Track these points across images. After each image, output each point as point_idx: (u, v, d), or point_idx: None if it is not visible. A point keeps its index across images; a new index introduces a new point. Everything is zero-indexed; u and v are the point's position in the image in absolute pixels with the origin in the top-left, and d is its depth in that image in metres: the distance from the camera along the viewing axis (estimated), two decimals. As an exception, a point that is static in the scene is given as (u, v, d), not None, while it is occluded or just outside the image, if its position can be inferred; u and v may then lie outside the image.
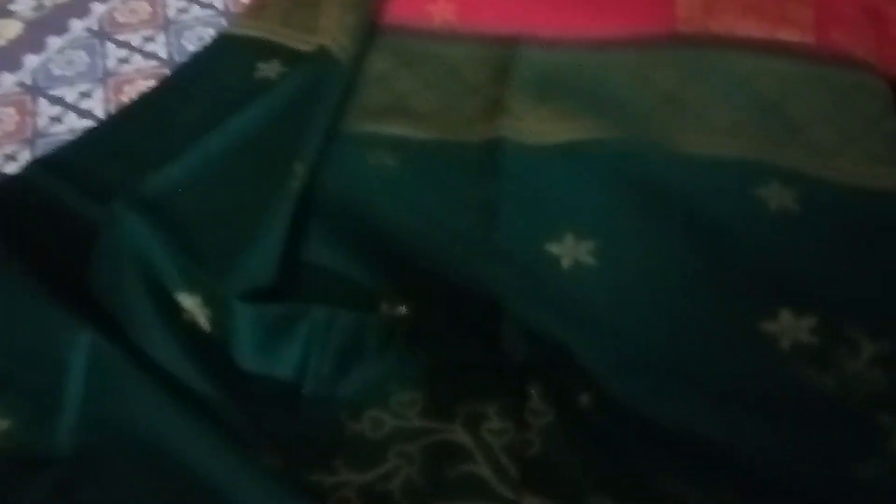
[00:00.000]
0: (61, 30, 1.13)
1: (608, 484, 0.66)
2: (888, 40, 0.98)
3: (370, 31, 0.99)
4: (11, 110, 1.02)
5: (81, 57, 1.09)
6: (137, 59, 1.09)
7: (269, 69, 0.96)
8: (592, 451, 0.68)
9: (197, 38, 1.10)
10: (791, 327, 0.73)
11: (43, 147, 0.98)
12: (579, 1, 1.02)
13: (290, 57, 0.96)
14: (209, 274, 0.75)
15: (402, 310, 0.76)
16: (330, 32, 0.96)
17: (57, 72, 1.08)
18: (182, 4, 1.15)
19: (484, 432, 0.69)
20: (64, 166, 0.90)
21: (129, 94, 1.03)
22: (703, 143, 0.86)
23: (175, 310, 0.74)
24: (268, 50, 0.98)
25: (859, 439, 0.67)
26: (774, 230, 0.79)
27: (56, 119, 1.02)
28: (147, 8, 1.15)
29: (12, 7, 1.14)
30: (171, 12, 1.14)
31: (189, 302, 0.75)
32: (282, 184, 0.81)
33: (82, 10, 1.15)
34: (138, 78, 1.06)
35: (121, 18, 1.14)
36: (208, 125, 0.89)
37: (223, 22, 1.10)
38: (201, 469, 0.65)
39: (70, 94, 1.05)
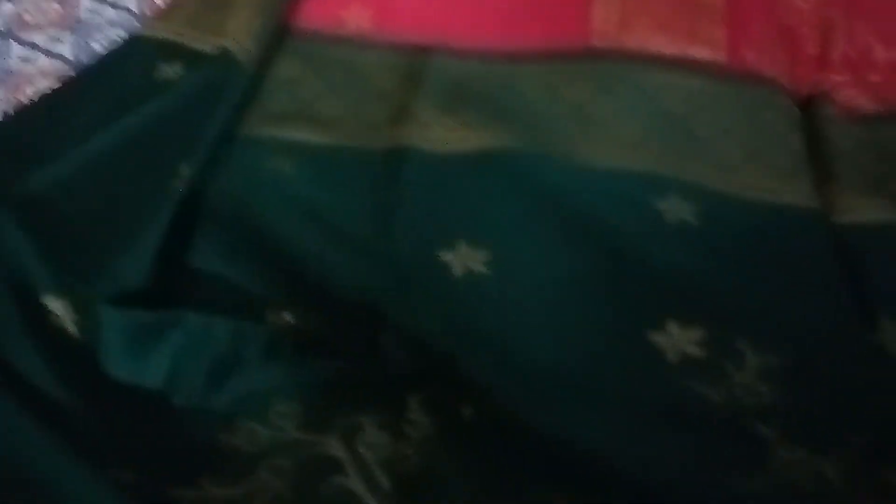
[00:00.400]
0: (-35, 30, 1.09)
1: (485, 496, 0.64)
2: (801, 59, 0.99)
3: (280, 36, 0.97)
4: None
5: (-18, 57, 1.06)
6: (41, 60, 1.05)
7: (170, 70, 0.93)
8: (471, 464, 0.66)
9: (106, 39, 1.06)
10: (678, 339, 0.72)
11: (-65, 148, 0.94)
12: (495, 12, 1.01)
13: (193, 58, 0.93)
14: (80, 276, 0.72)
15: (288, 318, 0.73)
16: (235, 35, 0.94)
17: (-44, 72, 1.04)
18: (94, 6, 1.11)
19: (359, 445, 0.66)
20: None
21: (29, 94, 1.00)
22: (609, 155, 0.85)
23: (41, 313, 0.70)
24: (172, 51, 0.95)
25: (744, 452, 0.66)
26: (671, 243, 0.78)
27: (-49, 119, 0.99)
28: (57, 9, 1.12)
29: (-83, 8, 1.10)
30: (82, 13, 1.11)
31: (57, 305, 0.71)
32: (164, 185, 0.78)
33: (-11, 11, 1.12)
34: (40, 78, 1.02)
35: (29, 18, 1.10)
36: (104, 125, 0.86)
37: (135, 23, 1.07)
38: (47, 481, 0.61)
39: (-33, 94, 1.01)
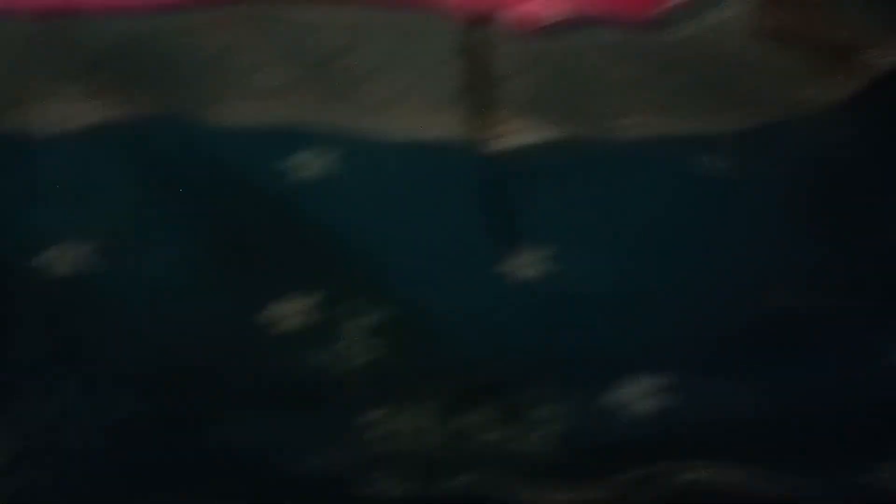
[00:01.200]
0: None
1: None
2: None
3: None
4: None
5: None
6: None
7: None
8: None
9: None
10: (294, 309, 0.68)
11: None
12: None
13: None
14: None
15: None
16: None
17: None
18: None
19: None
20: None
21: None
22: (242, 111, 0.78)
23: None
24: None
25: (328, 421, 0.64)
26: (300, 203, 0.73)
27: None
28: None
29: None
30: None
31: None
32: None
33: None
34: None
35: None
36: None
37: None
38: None
39: None
